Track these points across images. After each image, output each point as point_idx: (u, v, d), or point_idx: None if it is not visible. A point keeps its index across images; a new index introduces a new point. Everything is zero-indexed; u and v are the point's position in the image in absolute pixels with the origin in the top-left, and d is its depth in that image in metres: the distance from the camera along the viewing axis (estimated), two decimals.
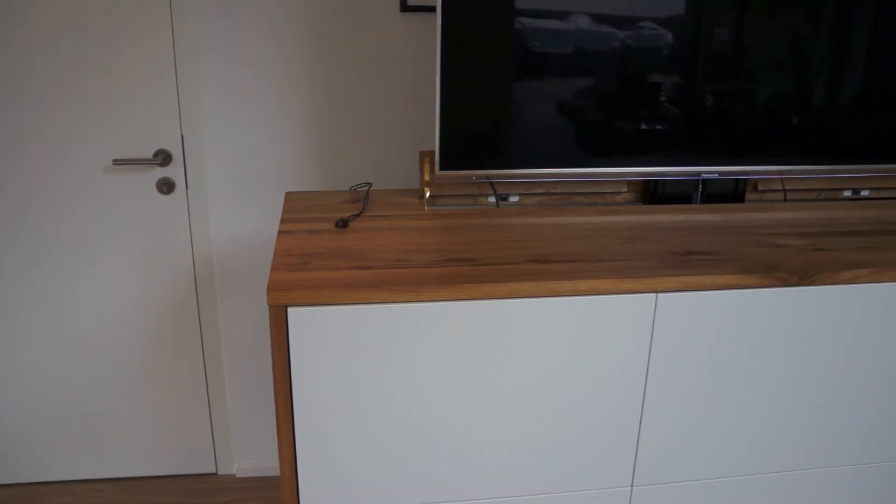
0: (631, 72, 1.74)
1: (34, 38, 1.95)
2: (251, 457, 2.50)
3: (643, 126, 1.79)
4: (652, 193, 1.89)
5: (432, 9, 2.02)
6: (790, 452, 1.64)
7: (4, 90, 1.99)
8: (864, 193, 1.98)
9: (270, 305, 1.35)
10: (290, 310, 1.35)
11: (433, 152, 1.81)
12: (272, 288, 1.34)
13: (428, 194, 1.82)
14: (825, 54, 1.79)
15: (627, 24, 1.70)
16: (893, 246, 1.61)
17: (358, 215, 1.73)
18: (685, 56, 1.74)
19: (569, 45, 1.70)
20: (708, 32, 1.73)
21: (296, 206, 1.79)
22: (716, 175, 1.86)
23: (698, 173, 1.85)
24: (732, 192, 1.91)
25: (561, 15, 1.68)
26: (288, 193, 1.90)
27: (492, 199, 1.87)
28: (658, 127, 1.80)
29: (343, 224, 1.66)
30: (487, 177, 1.81)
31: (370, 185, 1.94)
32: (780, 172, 1.88)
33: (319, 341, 1.38)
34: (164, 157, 2.08)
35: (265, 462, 2.51)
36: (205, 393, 2.38)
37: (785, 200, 1.95)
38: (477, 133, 1.75)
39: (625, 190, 1.91)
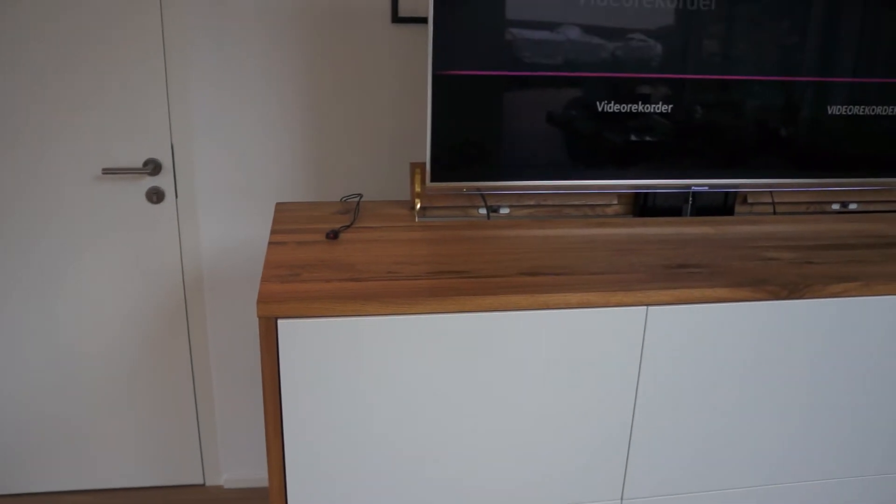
0: (621, 84, 1.75)
1: (24, 47, 1.94)
2: (239, 468, 2.49)
3: (633, 138, 1.80)
4: (642, 206, 1.89)
5: (423, 20, 2.02)
6: (779, 465, 1.65)
7: None
8: (853, 207, 1.99)
9: (260, 317, 1.34)
10: (280, 322, 1.35)
11: (424, 164, 1.81)
12: (262, 300, 1.33)
13: (419, 206, 1.82)
14: (814, 67, 1.80)
15: (617, 35, 1.71)
16: (882, 259, 1.62)
17: (348, 226, 1.73)
18: (674, 68, 1.75)
19: (559, 56, 1.70)
20: (697, 45, 1.74)
21: (286, 217, 1.79)
22: (706, 188, 1.87)
23: (688, 186, 1.86)
24: (722, 205, 1.92)
25: (551, 26, 1.68)
26: (278, 204, 1.89)
27: (482, 211, 1.87)
28: (648, 139, 1.80)
29: (334, 235, 1.65)
30: (478, 188, 1.81)
31: (361, 196, 1.94)
32: (769, 185, 1.89)
33: (309, 353, 1.37)
34: (153, 167, 2.08)
35: (253, 473, 2.50)
36: (193, 403, 2.37)
37: (774, 213, 1.96)
38: (468, 145, 1.75)
39: (615, 202, 1.91)
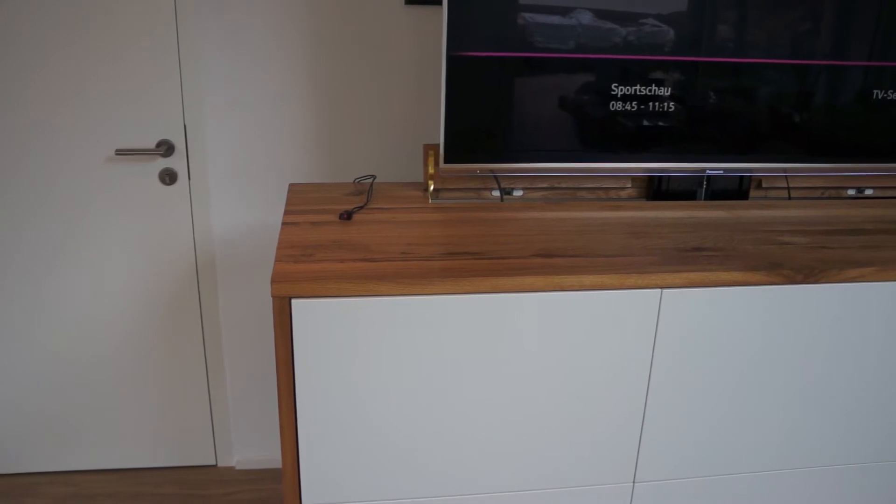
0: (636, 66, 1.74)
1: (38, 29, 1.94)
2: (251, 449, 2.50)
3: (649, 122, 1.79)
4: (656, 189, 1.88)
5: (436, 1, 2.01)
6: (793, 450, 1.64)
7: (7, 81, 1.98)
8: (869, 192, 1.98)
9: (274, 297, 1.34)
10: (293, 301, 1.35)
11: (437, 145, 1.81)
12: (276, 279, 1.33)
13: (432, 187, 1.82)
14: (829, 51, 1.78)
15: (630, 20, 1.70)
16: None
17: (362, 208, 1.72)
18: (688, 52, 1.74)
19: (573, 39, 1.69)
20: (711, 29, 1.73)
21: (299, 198, 1.79)
22: (721, 172, 1.86)
23: (703, 170, 1.85)
24: (737, 190, 1.91)
25: (566, 9, 1.67)
26: (292, 185, 1.89)
27: (496, 193, 1.87)
28: (663, 123, 1.79)
29: (347, 216, 1.65)
30: (492, 170, 1.81)
31: (374, 177, 1.93)
32: (784, 170, 1.88)
33: (323, 333, 1.38)
34: (166, 148, 2.08)
35: (265, 454, 2.51)
36: (205, 384, 2.38)
37: (789, 198, 1.95)
38: (481, 127, 1.74)
39: (629, 186, 1.90)
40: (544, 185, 1.88)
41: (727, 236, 1.62)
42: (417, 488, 1.54)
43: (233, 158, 2.12)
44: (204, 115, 2.07)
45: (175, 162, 2.11)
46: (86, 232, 2.16)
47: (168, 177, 2.11)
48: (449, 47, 1.67)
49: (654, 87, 1.76)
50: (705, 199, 1.90)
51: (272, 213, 2.20)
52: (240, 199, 2.17)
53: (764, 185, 1.93)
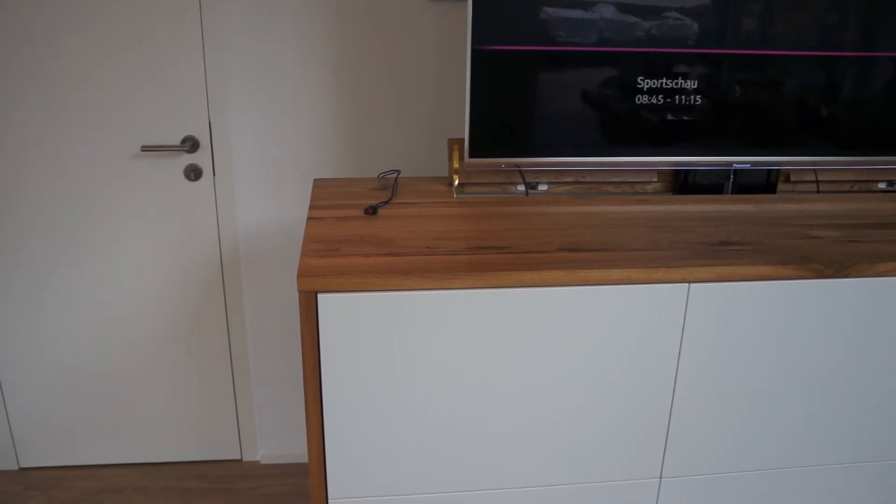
0: (662, 60, 1.72)
1: (62, 25, 1.96)
2: (275, 444, 2.51)
3: (674, 116, 1.77)
4: (682, 183, 1.87)
5: None
6: (822, 446, 1.63)
7: (34, 77, 2.00)
8: None
9: (300, 291, 1.35)
10: (320, 296, 1.35)
11: (462, 140, 1.80)
12: (302, 274, 1.33)
13: (457, 182, 1.81)
14: (857, 42, 1.76)
15: (652, 13, 1.68)
16: None
17: (387, 202, 1.72)
18: (713, 45, 1.72)
19: (598, 32, 1.68)
20: (735, 21, 1.71)
21: (324, 193, 1.79)
22: (748, 165, 1.84)
23: (730, 163, 1.83)
24: (764, 183, 1.89)
25: (587, 5, 1.66)
26: (316, 180, 1.89)
27: (521, 188, 1.86)
28: (689, 117, 1.78)
29: (372, 211, 1.65)
30: (517, 165, 1.80)
31: (398, 172, 1.93)
32: (813, 163, 1.86)
33: (349, 328, 1.38)
34: (191, 144, 2.09)
35: (289, 449, 2.52)
36: (230, 379, 2.39)
37: (818, 192, 1.92)
38: (506, 121, 1.73)
39: (654, 180, 1.89)
40: (569, 180, 1.87)
41: (755, 230, 1.60)
42: (443, 483, 1.54)
43: (257, 154, 2.13)
44: (228, 112, 2.08)
45: (200, 158, 2.12)
46: (112, 228, 2.17)
47: (193, 173, 2.13)
48: (474, 41, 1.66)
49: (679, 81, 1.75)
50: (732, 192, 1.88)
51: (297, 209, 2.21)
52: (264, 194, 2.18)
53: (792, 178, 1.91)
